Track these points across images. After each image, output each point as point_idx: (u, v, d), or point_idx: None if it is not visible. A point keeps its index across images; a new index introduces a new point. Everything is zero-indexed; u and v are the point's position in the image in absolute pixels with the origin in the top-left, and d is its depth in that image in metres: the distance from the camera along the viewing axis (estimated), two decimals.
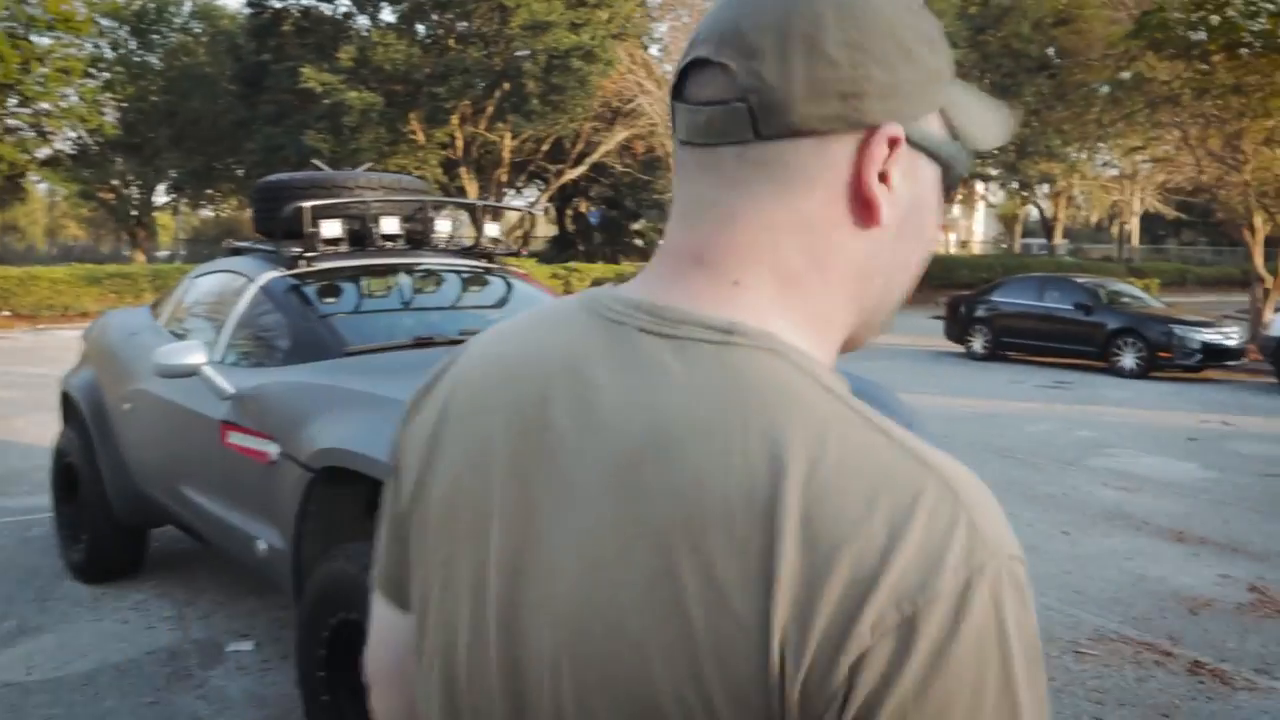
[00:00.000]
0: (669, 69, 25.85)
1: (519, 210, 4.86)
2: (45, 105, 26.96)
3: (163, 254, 46.46)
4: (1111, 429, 9.57)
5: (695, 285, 0.68)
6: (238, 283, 4.17)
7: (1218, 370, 14.40)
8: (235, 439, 3.50)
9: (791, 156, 0.67)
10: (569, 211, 39.59)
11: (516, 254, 4.76)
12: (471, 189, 28.21)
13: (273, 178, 4.51)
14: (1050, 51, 30.63)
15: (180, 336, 4.40)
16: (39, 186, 40.60)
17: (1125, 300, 15.33)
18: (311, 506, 3.09)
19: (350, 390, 3.14)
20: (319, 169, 4.74)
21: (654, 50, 29.11)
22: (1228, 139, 16.73)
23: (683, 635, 0.58)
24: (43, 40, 26.00)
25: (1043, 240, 43.10)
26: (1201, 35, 15.64)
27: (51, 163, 31.23)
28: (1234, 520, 6.30)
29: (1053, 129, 29.40)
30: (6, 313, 20.80)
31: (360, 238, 4.20)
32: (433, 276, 4.36)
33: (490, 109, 26.25)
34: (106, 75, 32.11)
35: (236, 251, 4.63)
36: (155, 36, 34.51)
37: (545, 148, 29.25)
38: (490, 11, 25.32)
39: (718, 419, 0.61)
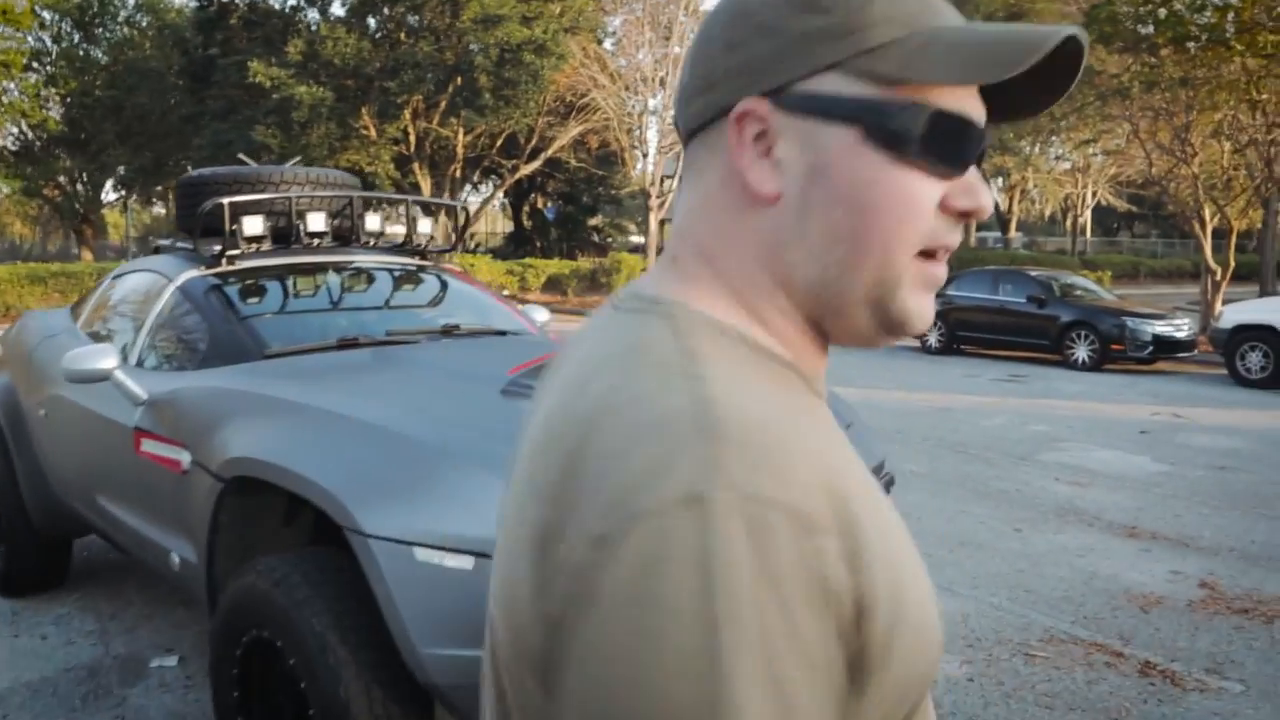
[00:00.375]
0: (624, 63, 25.69)
1: (448, 205, 4.67)
2: None
3: (114, 252, 45.54)
4: (1065, 423, 9.58)
5: (658, 267, 0.78)
6: (156, 283, 3.98)
7: (1169, 362, 14.54)
8: (149, 447, 3.32)
9: (695, 152, 0.76)
10: (525, 208, 39.30)
11: (450, 250, 4.59)
12: (425, 185, 27.88)
13: (195, 173, 4.31)
14: None
15: (99, 339, 4.20)
16: None
17: (1078, 293, 15.42)
18: (223, 518, 2.92)
19: (264, 396, 2.97)
20: (244, 163, 4.55)
21: (608, 44, 28.91)
22: (1176, 132, 16.89)
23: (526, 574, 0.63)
24: None
25: (998, 234, 43.52)
26: (1150, 29, 15.77)
27: None
28: (1185, 515, 6.28)
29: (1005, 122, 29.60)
30: None
31: (285, 235, 4.02)
32: (361, 275, 4.19)
33: (443, 104, 25.94)
34: (50, 69, 31.35)
35: (159, 250, 4.43)
36: (100, 30, 33.75)
37: (499, 143, 28.98)
38: (441, 5, 25.02)
39: (579, 375, 0.68)
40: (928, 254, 0.73)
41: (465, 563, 2.29)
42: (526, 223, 39.31)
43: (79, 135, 32.26)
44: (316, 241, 4.05)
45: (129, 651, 4.14)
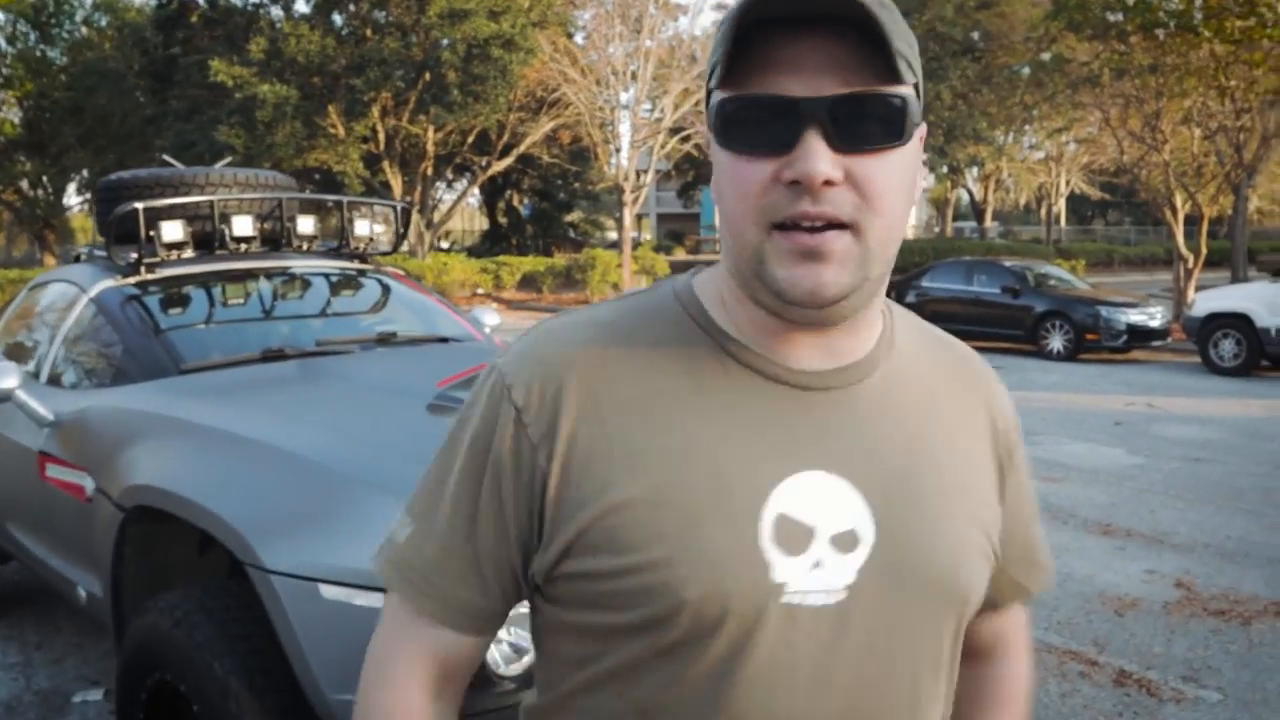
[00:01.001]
0: (594, 57, 25.38)
1: (388, 205, 4.44)
2: None
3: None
4: (1039, 415, 9.45)
5: None
6: (70, 293, 3.74)
7: (1144, 350, 14.46)
8: (53, 472, 3.09)
9: None
10: (500, 205, 38.96)
11: (392, 252, 4.37)
12: (396, 183, 27.51)
13: (114, 175, 4.06)
14: (975, 35, 30.74)
15: (14, 352, 3.95)
16: None
17: (1052, 283, 15.33)
18: (128, 549, 2.69)
19: (169, 417, 2.75)
20: (169, 164, 4.31)
21: (578, 38, 28.60)
22: (1147, 119, 16.83)
23: None
24: None
25: (974, 224, 43.50)
26: (1119, 16, 15.68)
27: None
28: (1160, 510, 6.14)
29: (979, 112, 29.55)
30: None
31: (208, 241, 3.78)
32: (292, 281, 3.96)
33: (412, 101, 25.59)
34: (6, 71, 30.73)
35: (79, 259, 4.18)
36: (57, 30, 33.11)
37: (471, 140, 28.64)
38: (407, 0, 24.67)
39: None
40: (785, 226, 0.79)
41: (376, 600, 2.08)
42: (502, 220, 38.97)
43: (38, 138, 31.65)
44: (243, 247, 3.81)
45: (52, 685, 3.90)
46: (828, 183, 0.76)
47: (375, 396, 2.92)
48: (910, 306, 12.75)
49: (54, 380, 3.53)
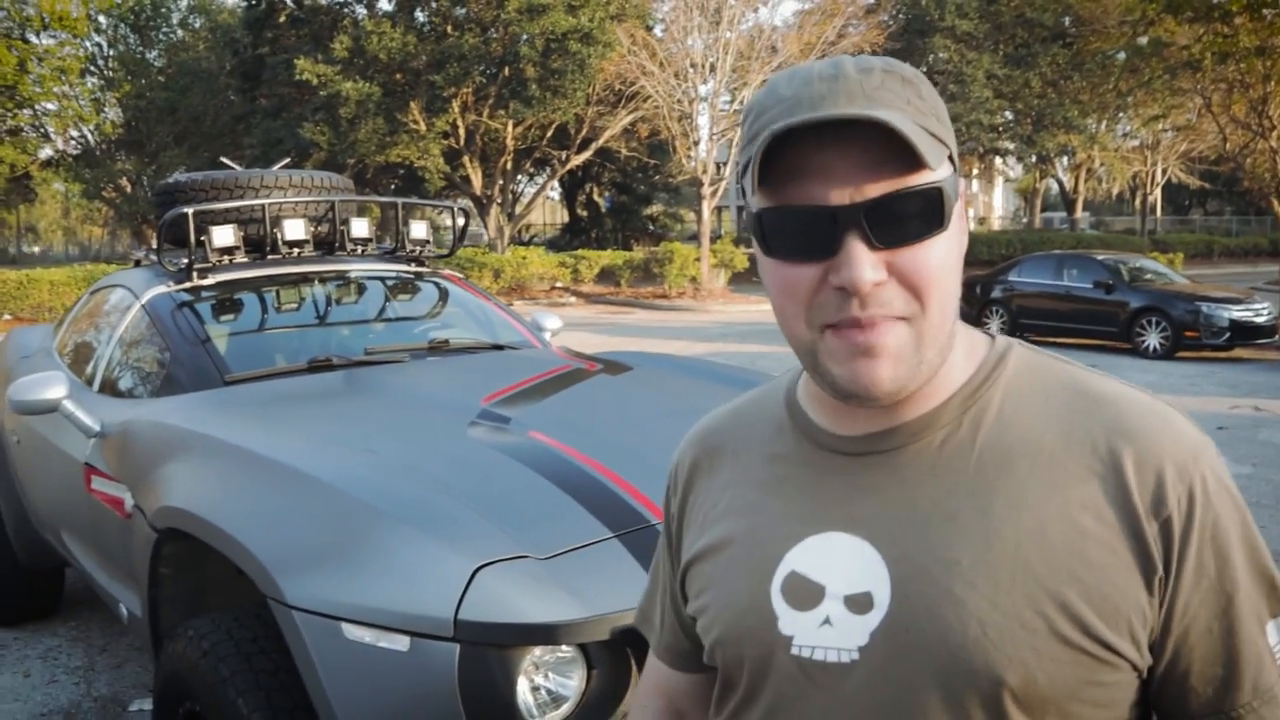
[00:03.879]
0: (673, 50, 25.15)
1: (443, 207, 4.33)
2: (50, 105, 26.64)
3: None
4: None
5: None
6: (124, 299, 3.69)
7: (1248, 349, 13.73)
8: (98, 485, 3.02)
9: None
10: (580, 198, 39.01)
11: (450, 254, 4.24)
12: (476, 178, 27.69)
13: (171, 179, 4.01)
14: (1066, 20, 29.70)
15: (75, 358, 3.93)
16: (55, 187, 40.37)
17: (1148, 277, 14.68)
18: (162, 570, 2.60)
19: (204, 434, 2.64)
20: (228, 167, 4.24)
21: (657, 31, 28.38)
22: (1253, 104, 16.01)
23: None
24: (42, 40, 25.68)
25: (1063, 214, 42.20)
26: None
27: (53, 163, 30.94)
28: (1270, 525, 5.72)
29: (1070, 99, 28.57)
30: (7, 316, 20.48)
31: (260, 245, 3.69)
32: (345, 286, 3.86)
33: (491, 96, 25.70)
34: (109, 73, 31.74)
35: (139, 264, 4.15)
36: (154, 32, 34.11)
37: (550, 134, 28.67)
38: None
39: None
40: (836, 326, 0.81)
41: (400, 643, 1.94)
42: (582, 213, 39.02)
43: (136, 137, 32.66)
44: (296, 251, 3.71)
45: (111, 692, 3.88)
46: (876, 284, 0.79)
47: (418, 413, 2.78)
48: (996, 302, 12.34)
49: (106, 387, 3.49)
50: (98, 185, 32.93)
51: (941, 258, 0.81)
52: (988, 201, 57.23)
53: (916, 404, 0.88)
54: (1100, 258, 15.16)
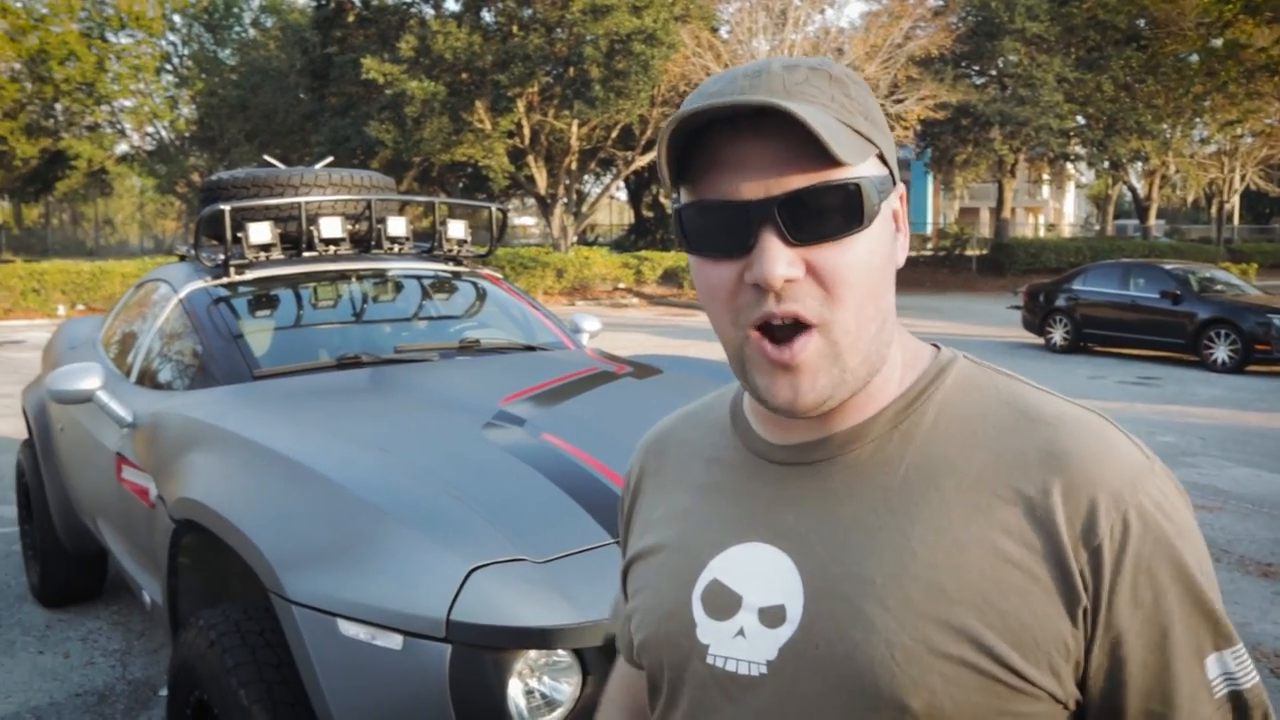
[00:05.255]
0: (738, 51, 25.06)
1: (482, 207, 4.34)
2: (127, 102, 27.40)
3: None
4: (1197, 433, 8.73)
5: None
6: (165, 293, 3.76)
7: None
8: (127, 474, 3.08)
9: None
10: (645, 199, 39.04)
11: (486, 255, 4.25)
12: (540, 177, 27.85)
13: (214, 176, 4.08)
14: (1140, 22, 28.95)
15: (119, 350, 4.02)
16: (131, 181, 41.53)
17: (1219, 288, 14.23)
18: (183, 560, 2.64)
19: (227, 429, 2.67)
20: (271, 164, 4.30)
21: (722, 32, 28.28)
22: None
23: None
24: (119, 39, 26.42)
25: (1136, 222, 41.18)
26: None
27: (129, 158, 31.82)
28: None
29: (1144, 104, 27.85)
30: (80, 306, 21.11)
31: (297, 242, 3.74)
32: (381, 285, 3.89)
33: (556, 96, 25.82)
34: (183, 71, 32.56)
35: (183, 258, 4.23)
36: (226, 32, 34.93)
37: (614, 134, 28.73)
38: None
39: None
40: (765, 329, 0.80)
41: (394, 642, 1.94)
42: (647, 214, 39.05)
43: (208, 134, 33.46)
44: (332, 249, 3.75)
45: (145, 676, 3.96)
46: (789, 280, 0.77)
47: (435, 412, 2.79)
48: (1059, 311, 12.07)
49: (143, 379, 3.56)
50: (171, 180, 33.82)
51: (863, 259, 0.79)
52: (1058, 208, 56.07)
53: (848, 415, 0.86)
54: (1168, 267, 14.75)
